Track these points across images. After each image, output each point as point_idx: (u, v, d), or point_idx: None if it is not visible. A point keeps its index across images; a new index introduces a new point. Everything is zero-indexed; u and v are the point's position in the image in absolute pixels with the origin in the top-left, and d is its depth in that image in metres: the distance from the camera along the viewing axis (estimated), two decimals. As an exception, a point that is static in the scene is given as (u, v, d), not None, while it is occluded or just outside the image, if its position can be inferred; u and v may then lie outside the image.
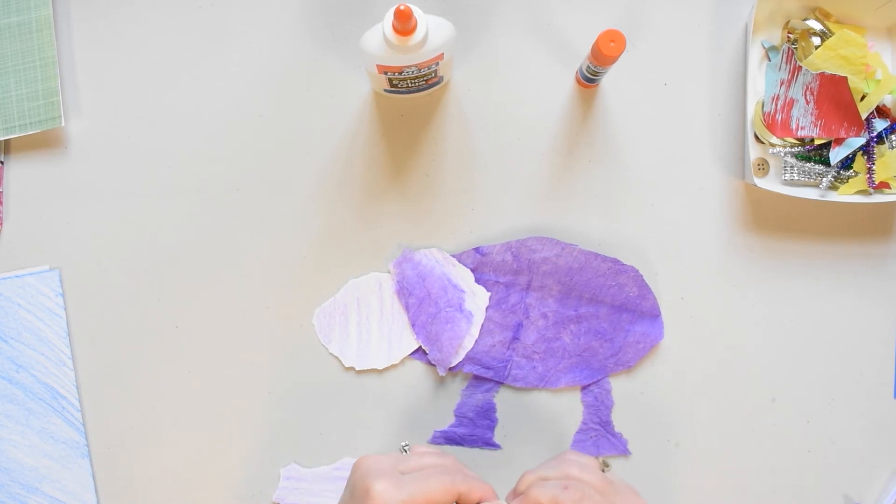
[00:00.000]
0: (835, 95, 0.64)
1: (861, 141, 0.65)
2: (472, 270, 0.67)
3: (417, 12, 0.54)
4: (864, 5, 0.65)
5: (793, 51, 0.66)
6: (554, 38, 0.68)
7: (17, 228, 0.68)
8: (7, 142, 0.68)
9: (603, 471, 0.53)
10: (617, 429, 0.67)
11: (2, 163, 0.67)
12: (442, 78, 0.65)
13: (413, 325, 0.67)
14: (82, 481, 0.67)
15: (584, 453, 0.55)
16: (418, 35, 0.55)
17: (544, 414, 0.68)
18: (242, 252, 0.68)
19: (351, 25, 0.68)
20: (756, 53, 0.67)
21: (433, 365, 0.67)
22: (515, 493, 0.52)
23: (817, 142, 0.65)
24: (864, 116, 0.64)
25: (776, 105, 0.65)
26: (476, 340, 0.67)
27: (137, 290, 0.67)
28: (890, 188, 0.65)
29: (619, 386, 0.68)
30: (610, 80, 0.68)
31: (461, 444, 0.67)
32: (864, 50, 0.64)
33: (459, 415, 0.67)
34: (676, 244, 0.68)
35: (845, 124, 0.65)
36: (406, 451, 0.53)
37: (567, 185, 0.68)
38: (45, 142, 0.68)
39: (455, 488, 0.48)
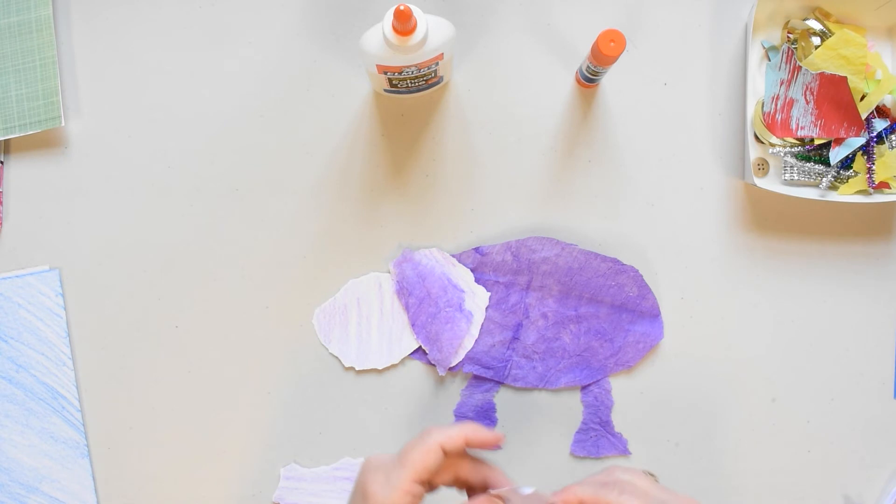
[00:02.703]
0: (835, 95, 0.64)
1: (861, 141, 0.65)
2: (472, 270, 0.67)
3: (417, 12, 0.54)
4: (864, 5, 0.65)
5: (793, 51, 0.66)
6: (554, 38, 0.68)
7: (17, 228, 0.68)
8: (7, 142, 0.68)
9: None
10: (617, 429, 0.67)
11: (2, 163, 0.68)
12: (442, 78, 0.65)
13: (413, 325, 0.67)
14: (82, 481, 0.67)
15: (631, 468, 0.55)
16: (418, 35, 0.55)
17: (544, 414, 0.68)
18: (242, 252, 0.68)
19: (351, 25, 0.68)
20: (756, 53, 0.67)
21: (433, 365, 0.67)
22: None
23: (817, 142, 0.65)
24: (863, 116, 0.64)
25: (776, 105, 0.65)
26: (476, 340, 0.67)
27: (137, 290, 0.68)
28: (890, 188, 0.65)
29: (619, 386, 0.68)
30: (610, 80, 0.68)
31: (461, 444, 0.67)
32: (864, 50, 0.64)
33: (459, 415, 0.67)
34: (676, 244, 0.68)
35: (845, 124, 0.65)
36: None
37: (567, 185, 0.68)
38: (45, 142, 0.68)
39: (434, 443, 0.47)
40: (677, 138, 0.68)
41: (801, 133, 0.65)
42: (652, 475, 0.54)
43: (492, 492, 0.49)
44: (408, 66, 0.59)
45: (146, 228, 0.68)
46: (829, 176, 0.65)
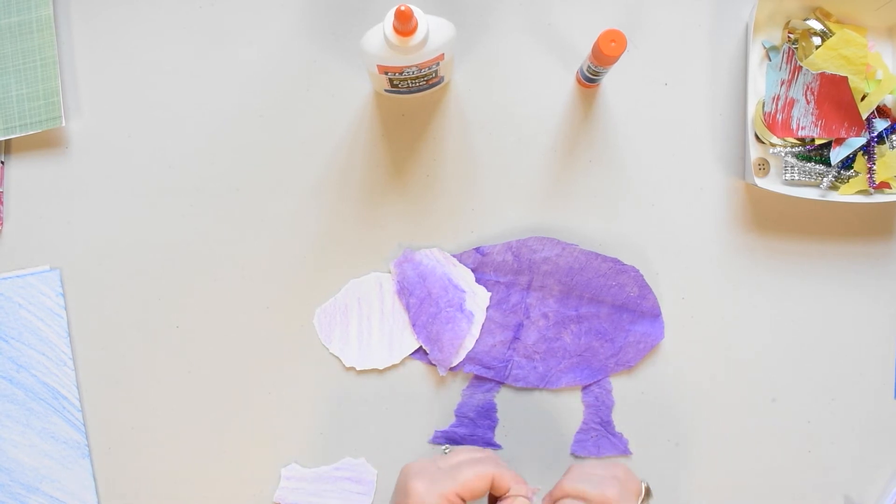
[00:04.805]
0: (835, 95, 0.64)
1: (862, 141, 0.65)
2: (473, 270, 0.67)
3: (418, 13, 0.54)
4: (865, 5, 0.65)
5: (793, 51, 0.66)
6: (554, 38, 0.68)
7: (18, 228, 0.67)
8: (7, 142, 0.68)
9: (643, 501, 0.54)
10: (617, 429, 0.67)
11: (2, 163, 0.67)
12: (443, 78, 0.65)
13: (414, 325, 0.67)
14: (82, 481, 0.67)
15: (633, 475, 0.55)
16: (419, 35, 0.55)
17: (545, 414, 0.68)
18: (242, 252, 0.68)
19: (351, 25, 0.68)
20: (756, 53, 0.67)
21: (434, 365, 0.67)
22: (552, 499, 0.54)
23: (818, 142, 0.65)
24: (864, 116, 0.64)
25: (777, 105, 0.65)
26: (477, 340, 0.67)
27: (137, 290, 0.67)
28: (890, 188, 0.65)
29: (620, 386, 0.68)
30: (610, 80, 0.68)
31: (462, 444, 0.67)
32: (865, 50, 0.64)
33: (460, 415, 0.67)
34: (677, 244, 0.68)
35: (846, 124, 0.65)
36: (446, 453, 0.55)
37: (567, 184, 0.68)
38: (46, 142, 0.68)
39: (488, 473, 0.51)
40: (678, 138, 0.68)
41: (801, 133, 0.65)
42: (649, 495, 0.55)
43: None
44: (409, 67, 0.59)
45: (146, 228, 0.68)
46: (830, 176, 0.65)
